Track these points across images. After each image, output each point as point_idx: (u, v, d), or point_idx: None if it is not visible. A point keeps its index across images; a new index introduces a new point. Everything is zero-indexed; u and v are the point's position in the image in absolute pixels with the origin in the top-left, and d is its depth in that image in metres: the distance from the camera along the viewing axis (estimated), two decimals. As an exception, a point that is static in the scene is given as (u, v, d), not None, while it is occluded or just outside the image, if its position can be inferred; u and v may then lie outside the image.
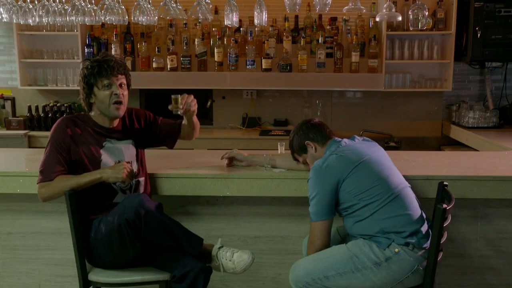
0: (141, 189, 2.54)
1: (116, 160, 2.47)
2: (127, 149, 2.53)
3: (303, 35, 4.76)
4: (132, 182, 2.46)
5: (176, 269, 2.28)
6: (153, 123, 2.67)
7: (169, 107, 2.59)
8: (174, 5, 3.34)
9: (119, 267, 2.37)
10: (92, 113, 2.51)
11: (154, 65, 4.80)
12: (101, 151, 2.46)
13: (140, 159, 2.58)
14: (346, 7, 3.09)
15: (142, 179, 2.55)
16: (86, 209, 2.40)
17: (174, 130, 2.72)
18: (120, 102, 2.44)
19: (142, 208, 2.20)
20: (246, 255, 2.35)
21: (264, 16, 3.25)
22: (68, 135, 2.41)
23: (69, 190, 2.27)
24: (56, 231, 2.90)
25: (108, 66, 2.40)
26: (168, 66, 4.78)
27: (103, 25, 4.88)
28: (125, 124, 2.58)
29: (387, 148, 3.43)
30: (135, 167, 2.51)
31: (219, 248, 2.40)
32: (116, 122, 2.53)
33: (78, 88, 2.50)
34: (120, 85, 2.45)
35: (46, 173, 2.36)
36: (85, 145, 2.43)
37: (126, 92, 2.49)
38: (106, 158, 2.45)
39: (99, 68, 2.40)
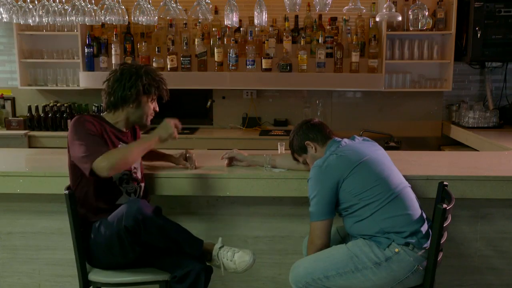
0: (143, 193, 2.56)
1: None
2: None
3: (303, 35, 4.76)
4: (138, 186, 2.48)
5: (177, 269, 2.28)
6: None
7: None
8: (174, 5, 3.34)
9: (119, 268, 2.36)
10: (108, 114, 2.49)
11: (154, 65, 4.79)
12: None
13: (141, 166, 2.60)
14: (346, 7, 3.09)
15: (143, 184, 2.57)
16: (87, 211, 2.39)
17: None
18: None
19: (140, 214, 2.20)
20: (248, 256, 2.34)
21: (264, 16, 3.25)
22: (95, 126, 2.37)
23: (131, 158, 2.30)
24: (56, 231, 2.90)
25: (163, 85, 2.53)
26: (168, 66, 4.78)
27: (103, 25, 4.88)
28: (133, 133, 2.61)
29: (387, 148, 3.43)
30: (139, 173, 2.53)
31: (220, 247, 2.39)
32: (128, 129, 2.55)
33: (101, 87, 2.47)
34: None
35: (96, 153, 2.21)
36: (105, 141, 2.40)
37: None
38: None
39: (160, 85, 2.50)
